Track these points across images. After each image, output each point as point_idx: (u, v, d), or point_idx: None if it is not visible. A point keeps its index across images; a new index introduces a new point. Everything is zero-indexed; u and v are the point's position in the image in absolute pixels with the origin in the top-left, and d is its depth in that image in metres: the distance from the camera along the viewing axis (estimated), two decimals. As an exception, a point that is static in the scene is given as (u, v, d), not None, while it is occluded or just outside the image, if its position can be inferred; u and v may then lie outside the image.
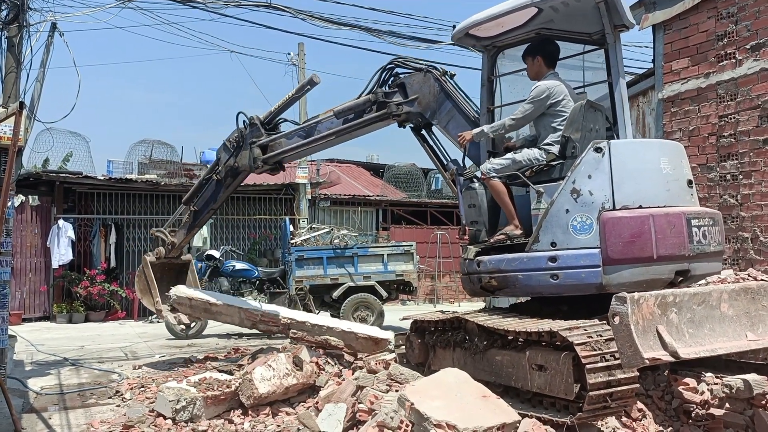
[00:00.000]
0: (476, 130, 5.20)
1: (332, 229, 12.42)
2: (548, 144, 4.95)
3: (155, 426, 5.17)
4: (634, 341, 3.25)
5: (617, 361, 3.61)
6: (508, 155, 5.07)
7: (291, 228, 12.14)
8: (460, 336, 4.85)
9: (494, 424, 3.88)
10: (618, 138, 4.99)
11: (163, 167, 15.64)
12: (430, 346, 5.29)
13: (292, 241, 11.67)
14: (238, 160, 7.02)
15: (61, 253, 13.36)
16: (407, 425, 3.97)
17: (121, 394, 6.26)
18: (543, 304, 5.03)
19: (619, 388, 3.71)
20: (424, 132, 6.12)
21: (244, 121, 7.02)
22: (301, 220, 15.35)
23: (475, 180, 5.22)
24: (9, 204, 5.60)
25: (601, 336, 3.80)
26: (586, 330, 3.88)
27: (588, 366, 3.65)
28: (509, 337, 4.42)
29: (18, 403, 5.86)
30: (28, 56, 7.06)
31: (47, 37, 7.90)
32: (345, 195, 17.77)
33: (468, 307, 9.55)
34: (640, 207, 4.50)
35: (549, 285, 4.61)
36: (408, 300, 16.55)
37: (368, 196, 18.26)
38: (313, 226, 13.25)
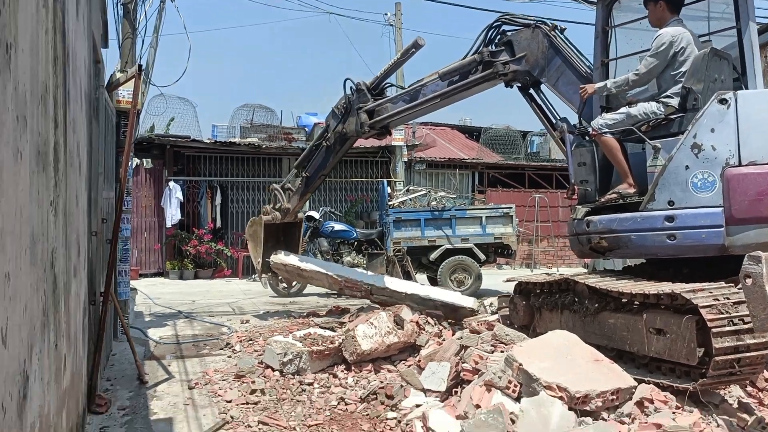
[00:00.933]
0: (599, 85, 4.94)
1: (429, 192, 12.35)
2: (667, 96, 4.64)
3: (264, 377, 5.38)
4: (768, 304, 3.01)
5: (747, 326, 3.38)
6: (622, 109, 4.80)
7: (389, 190, 12.15)
8: (569, 298, 4.70)
9: (608, 388, 3.75)
10: (746, 89, 4.60)
11: (263, 131, 16.02)
12: (535, 308, 5.18)
13: (389, 203, 11.69)
14: (346, 126, 7.09)
15: (172, 213, 14.08)
16: (515, 385, 3.91)
17: (232, 346, 6.55)
18: (658, 267, 4.78)
19: (747, 354, 3.49)
20: (531, 91, 5.92)
21: (351, 87, 7.07)
22: (397, 183, 15.37)
23: (586, 137, 4.99)
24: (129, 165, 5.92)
25: (728, 299, 3.56)
26: (711, 292, 3.65)
27: (714, 330, 3.44)
28: (623, 300, 4.24)
29: (140, 350, 6.28)
30: (142, 22, 7.40)
31: (159, 3, 8.22)
32: (440, 158, 17.61)
33: (566, 272, 9.26)
34: (771, 163, 4.16)
35: (665, 246, 4.37)
36: (504, 264, 16.31)
37: (464, 159, 18.01)
38: (411, 188, 13.22)
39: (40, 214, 2.31)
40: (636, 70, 4.71)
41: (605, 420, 3.75)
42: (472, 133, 22.15)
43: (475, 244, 10.96)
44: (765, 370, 4.07)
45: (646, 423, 3.43)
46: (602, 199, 4.83)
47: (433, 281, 11.05)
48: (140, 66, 4.96)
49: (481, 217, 11.10)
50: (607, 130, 4.76)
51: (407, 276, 9.77)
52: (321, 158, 7.58)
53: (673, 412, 3.62)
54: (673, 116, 4.58)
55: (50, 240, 2.57)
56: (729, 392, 3.88)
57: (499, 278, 13.29)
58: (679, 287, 3.80)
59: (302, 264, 7.99)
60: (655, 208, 4.42)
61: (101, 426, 4.42)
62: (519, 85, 5.94)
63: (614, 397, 3.80)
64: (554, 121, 5.65)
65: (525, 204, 17.09)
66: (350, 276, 7.76)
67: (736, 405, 3.85)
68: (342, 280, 7.63)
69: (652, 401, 3.72)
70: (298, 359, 5.46)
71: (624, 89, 4.88)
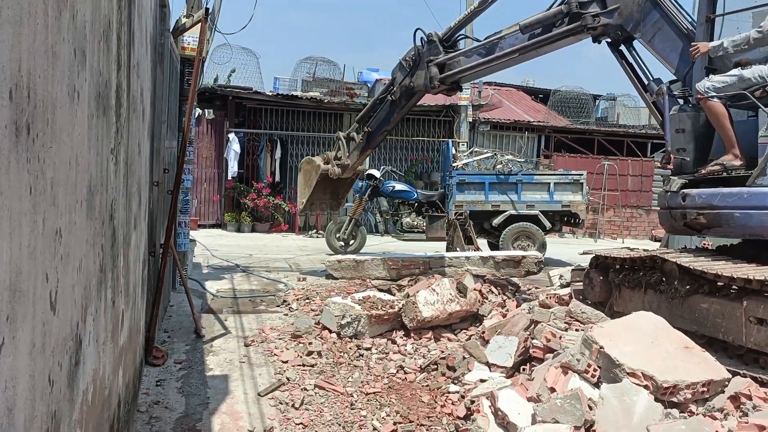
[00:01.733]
0: (714, 43, 4.41)
1: (495, 154, 11.88)
2: (788, 59, 4.11)
3: (321, 338, 5.24)
4: None
5: None
6: (734, 71, 4.28)
7: (453, 151, 11.71)
8: (655, 277, 4.32)
9: (699, 379, 3.42)
10: None
11: (325, 85, 15.74)
12: (614, 284, 4.81)
13: (453, 165, 11.29)
14: (414, 80, 6.70)
15: (231, 165, 14.06)
16: (595, 370, 3.61)
17: (288, 304, 6.44)
18: (760, 249, 4.32)
19: None
20: (623, 47, 5.39)
21: (422, 39, 6.64)
22: (460, 144, 14.89)
23: (687, 101, 4.50)
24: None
25: None
26: (831, 283, 3.23)
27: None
28: (719, 284, 3.84)
29: (197, 303, 6.22)
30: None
31: (227, -54, 7.96)
32: (505, 119, 16.99)
33: (633, 245, 8.78)
34: None
35: (773, 227, 3.92)
36: (568, 232, 15.75)
37: (530, 121, 17.33)
38: (475, 149, 12.76)
39: (99, 162, 2.10)
40: (759, 27, 4.15)
41: (693, 413, 3.43)
42: (537, 94, 21.33)
43: (541, 211, 10.52)
44: None
45: (747, 423, 3.08)
46: (703, 171, 4.37)
47: (494, 247, 10.69)
48: (207, 10, 4.72)
49: (549, 183, 10.61)
50: (714, 93, 4.26)
51: (469, 241, 9.43)
52: (385, 113, 7.24)
53: (776, 412, 3.25)
54: (793, 81, 4.06)
55: (110, 191, 2.38)
56: (840, 394, 3.48)
57: (562, 247, 12.87)
58: (790, 274, 3.40)
59: (357, 257, 7.92)
60: (765, 184, 3.96)
61: (158, 378, 4.36)
62: (608, 40, 5.43)
63: (705, 389, 3.47)
64: (647, 82, 5.14)
65: (592, 171, 16.36)
66: (406, 255, 7.72)
67: None
68: (399, 261, 7.50)
69: (750, 397, 3.37)
70: (356, 322, 5.30)
71: (743, 49, 4.32)
